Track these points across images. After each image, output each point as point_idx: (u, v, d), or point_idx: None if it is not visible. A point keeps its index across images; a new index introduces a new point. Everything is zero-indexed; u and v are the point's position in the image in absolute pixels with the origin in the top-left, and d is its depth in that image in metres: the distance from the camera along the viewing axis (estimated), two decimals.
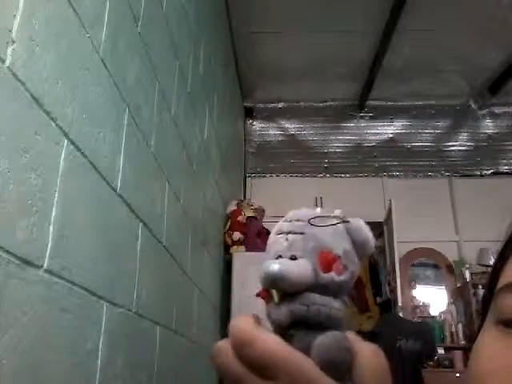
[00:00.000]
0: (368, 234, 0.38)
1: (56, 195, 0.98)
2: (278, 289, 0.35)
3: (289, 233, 0.37)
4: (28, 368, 0.87)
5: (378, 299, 5.03)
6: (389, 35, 4.03)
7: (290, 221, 0.38)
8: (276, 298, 0.35)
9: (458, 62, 4.54)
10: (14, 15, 0.85)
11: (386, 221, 4.75)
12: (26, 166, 0.87)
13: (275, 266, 0.34)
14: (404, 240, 4.61)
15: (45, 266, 0.92)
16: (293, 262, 0.35)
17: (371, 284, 5.16)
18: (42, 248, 0.92)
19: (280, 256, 0.36)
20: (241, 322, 0.31)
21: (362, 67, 4.64)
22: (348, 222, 0.38)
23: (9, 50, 0.83)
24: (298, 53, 4.46)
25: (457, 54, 4.43)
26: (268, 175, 5.16)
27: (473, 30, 4.07)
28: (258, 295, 0.37)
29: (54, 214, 0.96)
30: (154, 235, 1.67)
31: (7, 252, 0.80)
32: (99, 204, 1.22)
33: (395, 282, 4.27)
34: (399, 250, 4.51)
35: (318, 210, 0.39)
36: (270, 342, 0.29)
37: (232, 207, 3.70)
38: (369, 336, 3.64)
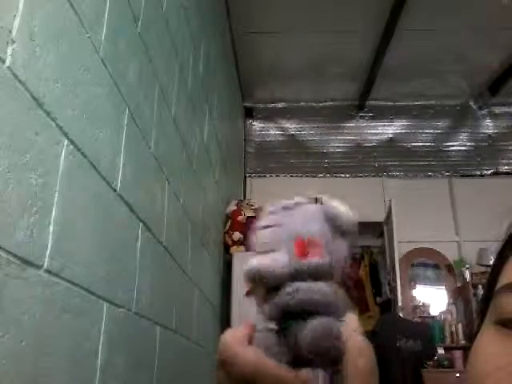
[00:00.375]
0: (340, 208, 0.38)
1: (56, 195, 0.98)
2: (259, 283, 0.35)
3: (266, 227, 0.38)
4: (28, 368, 0.87)
5: (378, 299, 5.03)
6: (389, 35, 4.03)
7: (266, 215, 0.39)
8: (261, 293, 0.36)
9: (458, 62, 4.54)
10: (14, 15, 0.85)
11: (385, 221, 4.75)
12: (26, 165, 0.87)
13: (252, 262, 0.35)
14: (404, 240, 4.61)
15: (45, 266, 0.92)
16: (269, 255, 0.36)
17: (371, 284, 5.16)
18: (42, 248, 0.92)
19: (261, 252, 0.37)
20: (228, 338, 0.33)
21: (362, 67, 4.63)
22: (317, 201, 0.39)
23: (9, 50, 0.83)
24: (297, 53, 4.46)
25: (457, 54, 4.43)
26: (268, 175, 5.16)
27: (473, 30, 4.07)
28: (247, 294, 0.38)
29: (53, 214, 0.96)
30: (153, 235, 1.67)
31: (7, 252, 0.80)
32: (99, 204, 1.22)
33: (395, 282, 4.27)
34: (399, 250, 4.51)
35: (297, 198, 0.40)
36: (247, 357, 0.31)
37: (232, 207, 3.69)
38: (369, 336, 3.63)
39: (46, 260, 0.93)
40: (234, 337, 0.33)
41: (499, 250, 0.36)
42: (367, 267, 5.22)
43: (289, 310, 0.34)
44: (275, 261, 0.35)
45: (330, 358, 0.32)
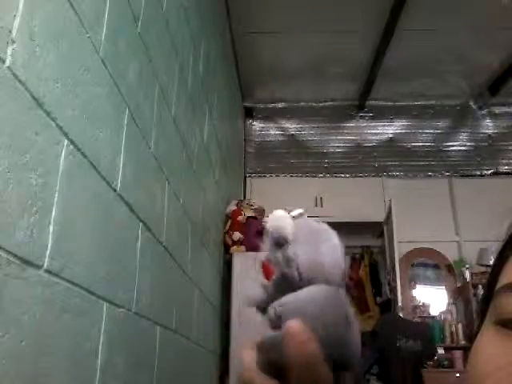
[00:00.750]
0: (270, 220, 0.40)
1: (56, 195, 0.98)
2: (260, 310, 0.39)
3: None
4: (28, 368, 0.87)
5: (378, 299, 5.03)
6: (389, 35, 4.03)
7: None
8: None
9: (458, 62, 4.54)
10: (14, 15, 0.85)
11: (386, 221, 4.75)
12: (26, 165, 0.87)
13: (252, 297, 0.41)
14: (404, 240, 4.61)
15: (45, 266, 0.92)
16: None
17: (371, 284, 5.16)
18: (42, 248, 0.92)
19: None
20: (244, 363, 0.35)
21: (362, 67, 4.63)
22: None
23: (9, 50, 0.83)
24: (297, 53, 4.46)
25: (457, 54, 4.43)
26: (268, 175, 5.16)
27: (473, 30, 4.07)
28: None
29: (53, 214, 0.96)
30: (153, 235, 1.67)
31: (7, 252, 0.80)
32: (99, 204, 1.22)
33: (395, 282, 4.27)
34: (399, 250, 4.51)
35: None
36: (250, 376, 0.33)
37: (232, 207, 3.69)
38: (369, 336, 3.64)
39: (46, 260, 0.93)
40: (247, 362, 0.34)
41: (499, 250, 0.36)
42: (367, 267, 5.22)
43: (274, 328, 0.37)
44: (252, 292, 0.40)
45: (280, 369, 0.33)
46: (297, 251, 0.37)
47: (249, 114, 5.35)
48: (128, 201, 1.41)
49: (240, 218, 3.61)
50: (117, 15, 1.34)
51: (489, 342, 0.33)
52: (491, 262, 0.38)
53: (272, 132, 5.35)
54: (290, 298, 0.36)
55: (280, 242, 0.38)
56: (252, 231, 3.65)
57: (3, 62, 0.81)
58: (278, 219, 0.39)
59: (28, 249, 0.86)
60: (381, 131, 5.31)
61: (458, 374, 3.98)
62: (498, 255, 0.36)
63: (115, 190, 1.32)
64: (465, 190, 4.96)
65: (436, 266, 4.91)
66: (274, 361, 0.32)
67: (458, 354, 4.19)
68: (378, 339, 3.58)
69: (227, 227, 3.57)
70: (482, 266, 4.45)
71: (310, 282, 0.36)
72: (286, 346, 0.30)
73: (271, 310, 0.36)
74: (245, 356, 0.33)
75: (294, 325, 0.31)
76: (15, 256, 0.82)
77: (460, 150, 5.19)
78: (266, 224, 0.40)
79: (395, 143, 5.26)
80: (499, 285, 0.34)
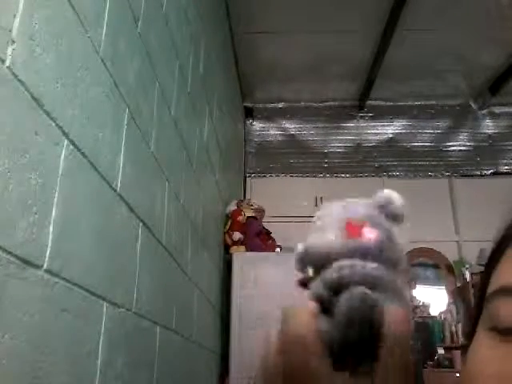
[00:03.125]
0: (390, 193, 0.41)
1: (56, 195, 0.98)
2: (308, 263, 0.36)
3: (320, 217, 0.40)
4: (28, 368, 0.87)
5: None
6: (389, 35, 4.03)
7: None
8: (311, 272, 0.37)
9: (458, 61, 4.54)
10: (14, 15, 0.85)
11: None
12: (26, 165, 0.87)
13: (299, 246, 0.37)
14: None
15: (45, 266, 0.92)
16: (317, 235, 0.37)
17: None
18: (42, 248, 0.92)
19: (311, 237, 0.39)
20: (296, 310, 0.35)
21: (362, 67, 4.63)
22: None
23: (9, 50, 0.83)
24: (297, 53, 4.46)
25: (457, 54, 4.43)
26: (268, 175, 5.16)
27: (473, 30, 4.07)
28: (297, 284, 0.38)
29: (53, 214, 0.96)
30: (154, 235, 1.67)
31: (7, 252, 0.80)
32: (99, 204, 1.22)
33: None
34: None
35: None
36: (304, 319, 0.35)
37: (232, 207, 3.69)
38: None
39: (46, 260, 0.93)
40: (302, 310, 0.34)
41: (492, 249, 0.34)
42: None
43: (336, 285, 0.34)
44: (320, 240, 0.37)
45: (365, 328, 0.32)
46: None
47: (249, 114, 5.35)
48: (128, 201, 1.41)
49: (240, 218, 3.61)
50: (117, 15, 1.34)
51: (481, 349, 0.32)
52: None
53: (272, 132, 5.34)
54: (373, 267, 0.36)
55: (397, 217, 0.40)
56: (252, 231, 3.65)
57: (3, 62, 0.81)
58: (399, 197, 0.41)
59: (28, 249, 0.86)
60: (381, 131, 5.31)
61: (457, 374, 3.98)
62: (491, 254, 0.34)
63: (115, 190, 1.32)
64: (465, 190, 4.96)
65: (436, 266, 4.91)
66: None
67: (458, 354, 4.19)
68: None
69: (227, 227, 3.57)
70: (482, 266, 4.45)
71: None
72: (387, 324, 0.32)
73: (359, 271, 0.35)
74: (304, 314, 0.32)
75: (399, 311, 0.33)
76: (15, 256, 0.82)
77: (460, 150, 5.19)
78: (384, 194, 0.40)
79: (395, 143, 5.25)
80: (490, 290, 0.33)
